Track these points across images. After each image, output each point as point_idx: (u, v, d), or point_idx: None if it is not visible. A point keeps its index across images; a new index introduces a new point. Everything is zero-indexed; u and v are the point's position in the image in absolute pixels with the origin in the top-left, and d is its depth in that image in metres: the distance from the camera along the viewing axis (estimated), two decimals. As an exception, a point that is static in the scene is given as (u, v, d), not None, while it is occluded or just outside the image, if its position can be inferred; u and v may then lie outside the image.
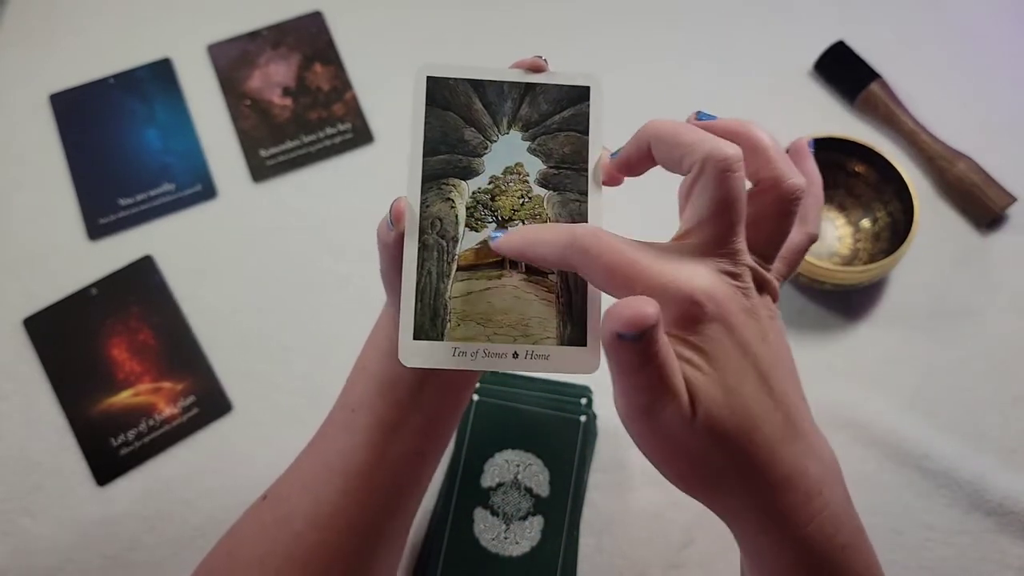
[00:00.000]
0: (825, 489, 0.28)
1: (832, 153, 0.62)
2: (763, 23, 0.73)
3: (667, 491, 0.57)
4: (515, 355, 0.31)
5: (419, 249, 0.31)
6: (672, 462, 0.28)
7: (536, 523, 0.52)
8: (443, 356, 0.31)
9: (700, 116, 0.31)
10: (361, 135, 0.68)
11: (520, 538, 0.52)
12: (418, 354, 0.31)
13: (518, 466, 0.54)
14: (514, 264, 0.32)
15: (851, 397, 0.58)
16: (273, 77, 0.70)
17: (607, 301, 0.32)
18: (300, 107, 0.69)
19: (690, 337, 0.26)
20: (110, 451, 0.57)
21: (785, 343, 0.30)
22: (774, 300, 0.30)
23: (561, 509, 0.53)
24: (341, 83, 0.70)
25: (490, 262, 0.32)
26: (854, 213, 0.63)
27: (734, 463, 0.26)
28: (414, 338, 0.31)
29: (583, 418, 0.55)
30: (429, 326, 0.31)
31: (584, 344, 0.31)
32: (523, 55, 0.34)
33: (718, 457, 0.26)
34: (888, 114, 0.66)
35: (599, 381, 0.57)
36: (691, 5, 0.73)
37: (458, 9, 0.73)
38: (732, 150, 0.27)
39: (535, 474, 0.54)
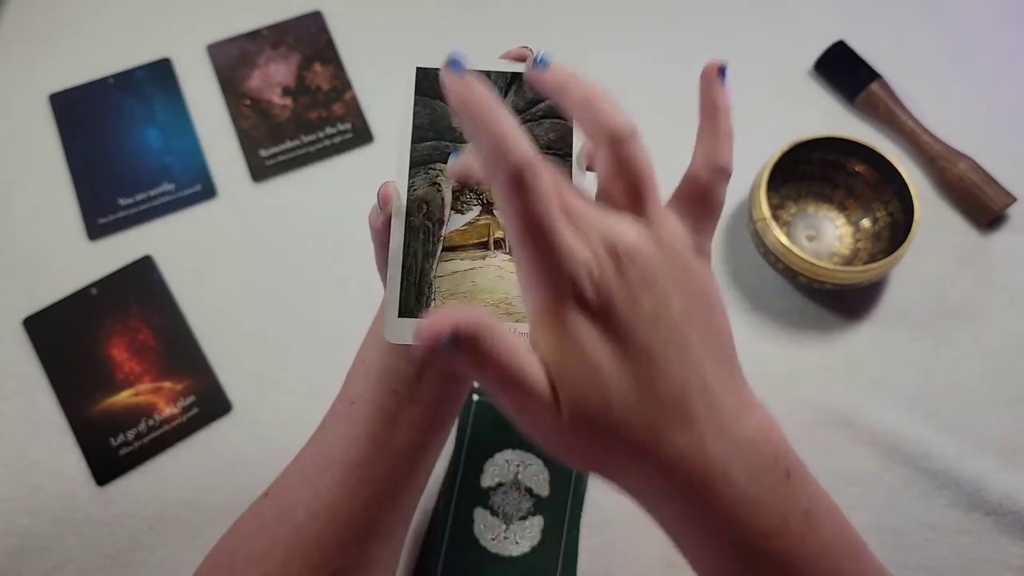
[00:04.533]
0: (732, 470, 0.25)
1: (832, 153, 0.62)
2: (763, 23, 0.73)
3: (667, 491, 0.57)
4: None
5: (406, 231, 0.32)
6: (557, 450, 0.26)
7: (536, 523, 0.52)
8: None
9: (536, 62, 0.29)
10: (361, 135, 0.68)
11: (520, 538, 0.52)
12: (402, 331, 0.32)
13: (518, 466, 0.54)
14: (499, 245, 0.33)
15: (851, 397, 0.58)
16: (273, 77, 0.70)
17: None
18: (300, 107, 0.69)
19: (562, 320, 0.24)
20: (110, 451, 0.57)
21: (708, 303, 0.27)
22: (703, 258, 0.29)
23: (561, 509, 0.53)
24: (341, 83, 0.70)
25: (475, 243, 0.33)
26: (854, 213, 0.63)
27: (617, 450, 0.25)
28: (399, 316, 0.32)
29: (583, 418, 0.55)
30: (414, 304, 0.32)
31: None
32: None
33: (599, 444, 0.25)
34: (888, 114, 0.66)
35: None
36: (691, 5, 0.73)
37: (458, 9, 0.73)
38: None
39: (535, 474, 0.54)
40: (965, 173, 0.63)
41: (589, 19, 0.73)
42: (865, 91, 0.67)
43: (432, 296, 0.32)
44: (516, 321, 0.32)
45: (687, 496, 0.26)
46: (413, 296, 0.32)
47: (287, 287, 0.63)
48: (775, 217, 0.61)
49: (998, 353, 0.60)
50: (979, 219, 0.64)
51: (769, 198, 0.59)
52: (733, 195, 0.65)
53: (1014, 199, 0.63)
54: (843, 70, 0.69)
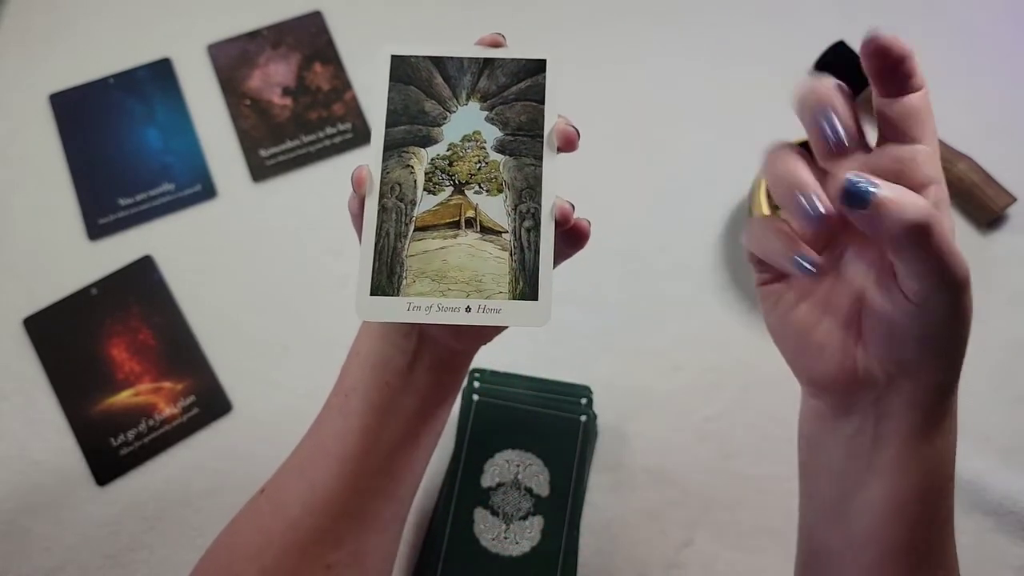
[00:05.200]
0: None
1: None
2: (763, 23, 0.73)
3: (667, 491, 0.57)
4: (468, 309, 0.32)
5: (378, 211, 0.33)
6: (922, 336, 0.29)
7: (536, 523, 0.52)
8: (398, 311, 0.32)
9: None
10: (361, 135, 0.68)
11: (520, 538, 0.52)
12: (374, 309, 0.32)
13: (518, 466, 0.54)
14: (469, 224, 0.34)
15: (851, 397, 0.58)
16: (273, 77, 0.70)
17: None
18: (300, 107, 0.69)
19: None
20: (110, 451, 0.57)
21: None
22: None
23: (561, 509, 0.53)
24: (341, 83, 0.70)
25: (447, 223, 0.34)
26: (854, 213, 0.63)
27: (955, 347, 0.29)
28: (371, 294, 0.32)
29: (583, 418, 0.55)
30: (386, 283, 0.33)
31: (536, 299, 0.32)
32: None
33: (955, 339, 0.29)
34: (888, 114, 0.66)
35: (598, 380, 0.57)
36: (691, 5, 0.73)
37: (458, 8, 0.73)
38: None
39: (535, 474, 0.54)
40: (965, 173, 0.63)
41: (588, 20, 0.73)
42: (865, 91, 0.67)
43: (404, 275, 0.33)
44: (486, 298, 0.32)
45: (937, 424, 0.30)
46: (385, 275, 0.33)
47: (287, 287, 0.63)
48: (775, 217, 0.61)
49: (998, 353, 0.59)
50: (979, 219, 0.64)
51: (769, 198, 0.59)
52: (733, 195, 0.65)
53: (1014, 199, 0.63)
54: (843, 70, 0.69)
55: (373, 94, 0.35)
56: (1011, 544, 0.53)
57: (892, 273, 0.29)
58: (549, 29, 0.73)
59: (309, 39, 0.71)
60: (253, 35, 0.71)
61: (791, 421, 0.58)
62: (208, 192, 0.66)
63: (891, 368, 0.30)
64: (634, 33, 0.72)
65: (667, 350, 0.60)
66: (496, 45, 0.35)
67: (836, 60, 0.69)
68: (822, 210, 0.28)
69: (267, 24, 0.72)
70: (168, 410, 0.58)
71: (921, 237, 0.26)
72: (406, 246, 0.33)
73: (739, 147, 0.67)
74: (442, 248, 0.33)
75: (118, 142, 0.67)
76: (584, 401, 0.56)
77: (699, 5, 0.74)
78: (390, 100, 0.35)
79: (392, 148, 0.34)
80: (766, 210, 0.58)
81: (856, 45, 0.70)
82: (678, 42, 0.72)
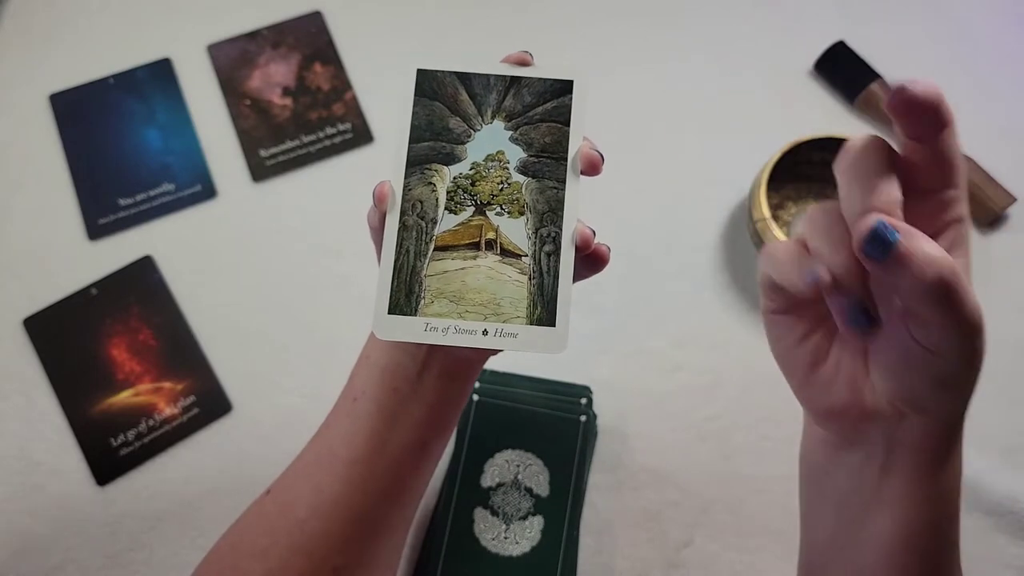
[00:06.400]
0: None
1: (832, 153, 0.62)
2: (763, 23, 0.73)
3: (667, 491, 0.57)
4: (485, 332, 0.32)
5: (399, 229, 0.33)
6: (924, 376, 0.28)
7: (536, 523, 0.52)
8: (415, 331, 0.32)
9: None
10: (361, 135, 0.68)
11: (520, 538, 0.52)
12: (391, 328, 0.32)
13: (518, 466, 0.54)
14: (490, 245, 0.33)
15: (851, 397, 0.58)
16: (273, 77, 0.70)
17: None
18: (300, 107, 0.69)
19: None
20: (110, 451, 0.57)
21: None
22: None
23: (561, 509, 0.53)
24: (341, 83, 0.70)
25: (467, 243, 0.33)
26: (854, 213, 0.63)
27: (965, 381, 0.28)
28: (389, 312, 0.32)
29: (583, 418, 0.55)
30: (404, 302, 0.32)
31: (553, 325, 0.32)
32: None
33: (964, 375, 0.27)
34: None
35: (598, 381, 0.57)
36: (691, 5, 0.73)
37: (458, 8, 0.73)
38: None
39: (535, 474, 0.54)
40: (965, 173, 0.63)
41: (588, 20, 0.73)
42: (865, 91, 0.67)
43: (422, 294, 0.32)
44: (504, 321, 0.32)
45: (947, 456, 0.29)
46: (403, 293, 0.32)
47: (287, 287, 0.63)
48: (775, 217, 0.61)
49: (998, 353, 0.59)
50: (979, 219, 0.64)
51: (769, 198, 0.59)
52: (733, 195, 0.65)
53: (1014, 199, 0.63)
54: (843, 70, 0.69)
55: (398, 108, 0.34)
56: (1010, 544, 0.53)
57: (903, 316, 0.28)
58: (549, 30, 0.73)
59: (309, 39, 0.71)
60: (253, 35, 0.71)
61: (791, 421, 0.58)
62: (208, 192, 0.66)
63: (901, 406, 0.29)
64: (634, 34, 0.72)
65: (667, 350, 0.60)
66: (523, 63, 0.35)
67: (836, 60, 0.69)
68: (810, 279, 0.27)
69: (267, 24, 0.72)
70: (168, 410, 0.58)
71: (941, 295, 0.25)
72: (425, 265, 0.33)
73: (739, 147, 0.67)
74: (461, 269, 0.33)
75: (118, 142, 0.67)
76: (584, 401, 0.56)
77: (700, 6, 0.74)
78: (415, 115, 0.34)
79: (415, 164, 0.34)
80: (766, 211, 0.58)
81: (856, 45, 0.70)
82: (678, 43, 0.72)
